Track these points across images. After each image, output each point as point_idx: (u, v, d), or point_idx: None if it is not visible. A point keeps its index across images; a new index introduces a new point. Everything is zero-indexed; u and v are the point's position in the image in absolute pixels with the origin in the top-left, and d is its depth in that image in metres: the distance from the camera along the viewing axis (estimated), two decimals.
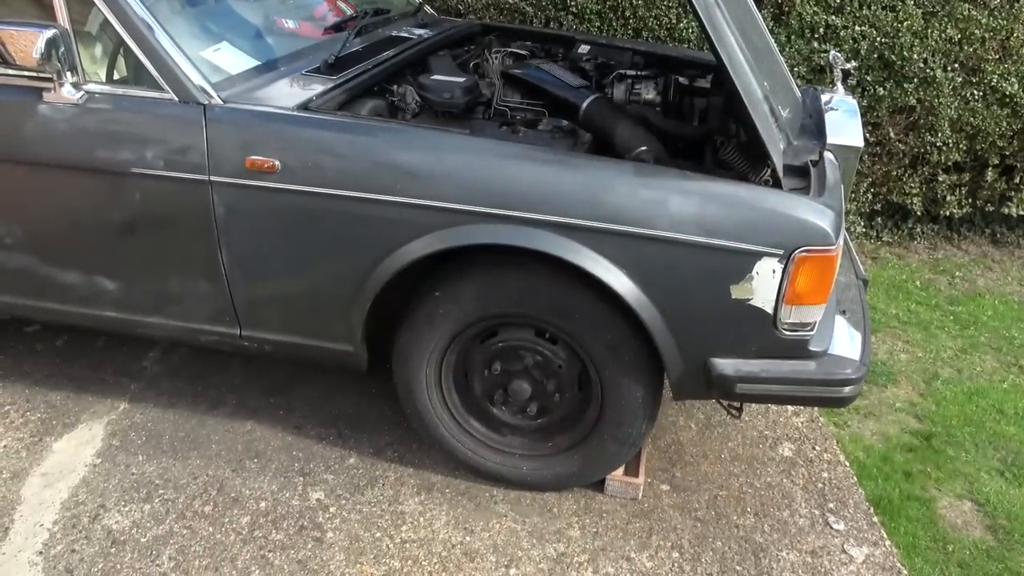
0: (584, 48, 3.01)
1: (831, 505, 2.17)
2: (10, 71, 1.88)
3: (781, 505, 2.15)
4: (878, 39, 3.65)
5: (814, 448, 2.39)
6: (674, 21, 3.55)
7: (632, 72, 2.55)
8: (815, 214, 1.67)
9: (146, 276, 2.05)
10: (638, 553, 1.96)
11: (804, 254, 1.66)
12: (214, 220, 1.90)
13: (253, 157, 1.81)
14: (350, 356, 2.05)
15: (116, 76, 2.13)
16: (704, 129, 2.24)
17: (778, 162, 1.76)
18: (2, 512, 2.02)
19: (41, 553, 1.91)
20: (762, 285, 1.70)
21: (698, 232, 1.67)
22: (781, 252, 1.66)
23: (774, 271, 1.68)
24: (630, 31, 3.55)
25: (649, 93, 2.51)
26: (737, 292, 1.71)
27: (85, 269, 2.09)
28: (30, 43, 1.81)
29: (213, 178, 1.85)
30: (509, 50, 2.74)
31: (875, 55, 3.68)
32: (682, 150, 2.26)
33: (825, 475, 2.28)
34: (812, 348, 1.78)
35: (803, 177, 1.86)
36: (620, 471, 2.12)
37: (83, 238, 2.03)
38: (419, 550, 1.95)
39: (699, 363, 1.82)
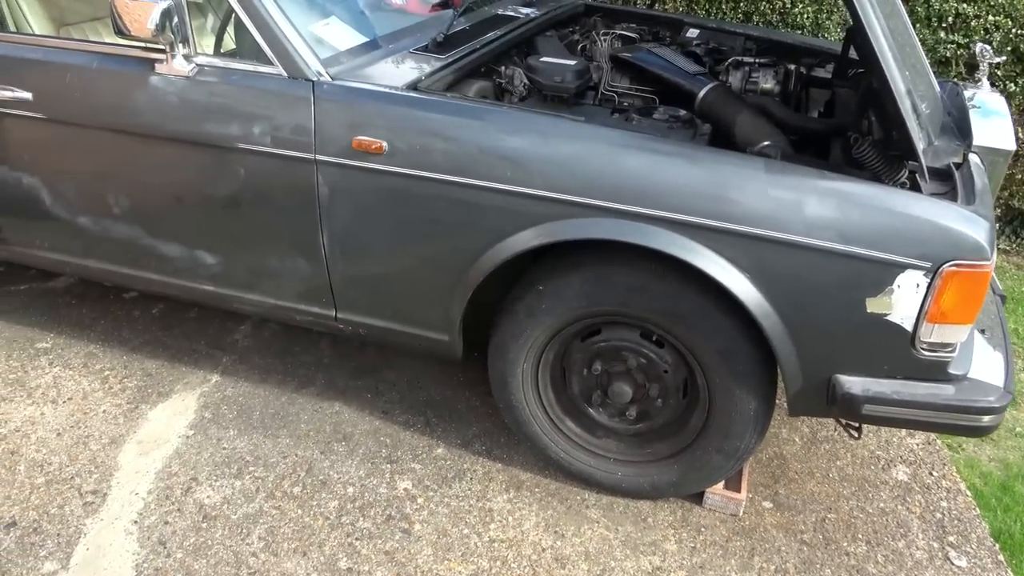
0: (693, 32, 2.86)
1: (951, 538, 2.00)
2: (124, 41, 1.87)
3: (896, 534, 1.99)
4: (1013, 30, 3.36)
5: (931, 473, 2.22)
6: (788, 5, 3.34)
7: (749, 59, 2.39)
8: (968, 224, 1.50)
9: (246, 252, 2.04)
10: (739, 574, 1.85)
11: (953, 268, 1.50)
12: (317, 200, 1.86)
13: (360, 137, 1.76)
14: (445, 345, 1.99)
15: (224, 49, 2.11)
16: (832, 123, 2.07)
17: (924, 163, 1.60)
18: (101, 477, 2.06)
19: (136, 522, 1.93)
20: (903, 300, 1.54)
21: (835, 238, 1.53)
22: (928, 265, 1.50)
23: (918, 285, 1.52)
24: (740, 15, 3.36)
25: (767, 82, 2.36)
26: (873, 306, 1.57)
27: (186, 242, 2.09)
28: (145, 13, 1.80)
29: (319, 157, 1.80)
30: (618, 32, 2.61)
31: (1008, 47, 3.38)
32: (803, 145, 2.10)
33: (944, 504, 2.11)
34: (952, 371, 1.62)
35: (945, 181, 1.69)
36: (720, 484, 2.00)
37: (186, 211, 2.02)
38: (508, 551, 1.88)
39: (822, 378, 1.68)
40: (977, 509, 2.11)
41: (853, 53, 2.51)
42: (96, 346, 2.61)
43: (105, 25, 2.54)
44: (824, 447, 2.29)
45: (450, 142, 1.71)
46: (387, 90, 1.78)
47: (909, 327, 1.57)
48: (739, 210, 1.56)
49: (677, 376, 1.87)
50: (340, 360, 2.59)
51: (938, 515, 2.07)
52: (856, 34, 1.60)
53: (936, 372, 1.62)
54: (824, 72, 2.63)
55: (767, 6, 3.33)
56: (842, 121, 2.05)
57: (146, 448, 2.18)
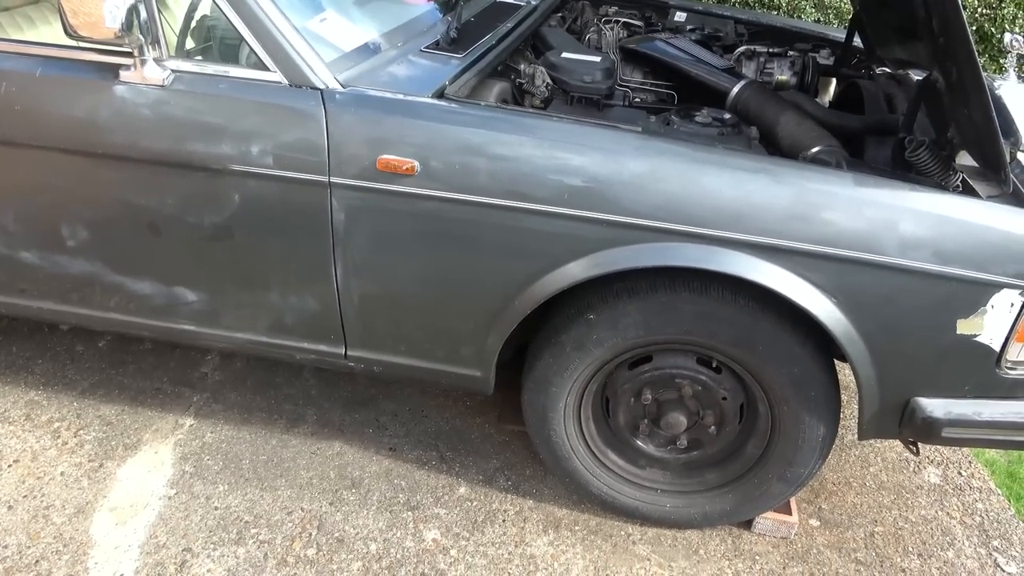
0: (681, 15, 2.71)
1: (996, 543, 1.98)
2: (81, 44, 1.54)
3: (943, 543, 1.96)
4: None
5: (960, 473, 2.20)
6: None
7: (764, 49, 2.25)
8: None
9: (238, 288, 1.75)
10: None
11: None
12: (331, 227, 1.60)
13: (387, 156, 1.51)
14: (476, 380, 1.78)
15: (206, 50, 1.80)
16: (869, 121, 1.96)
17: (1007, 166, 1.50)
18: (74, 559, 1.75)
19: None
20: (995, 319, 1.46)
21: (931, 259, 1.42)
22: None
23: (1012, 304, 1.44)
24: None
25: (783, 73, 2.23)
26: (964, 327, 1.47)
27: (163, 279, 1.78)
28: (98, 8, 1.47)
29: (334, 179, 1.54)
30: (622, 20, 2.42)
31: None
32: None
33: (980, 506, 2.09)
34: None
35: (998, 185, 1.60)
36: None
37: (163, 244, 1.71)
38: None
39: (899, 402, 1.59)
40: (1012, 510, 2.10)
41: (858, 41, 2.42)
42: (37, 392, 2.24)
43: (25, 16, 2.13)
44: (853, 453, 2.23)
45: (497, 161, 1.48)
46: (415, 100, 1.53)
47: (997, 347, 1.49)
48: (830, 231, 1.42)
49: (735, 402, 1.74)
50: (328, 390, 2.33)
51: (977, 519, 2.05)
52: (933, 29, 1.46)
53: (1019, 390, 1.55)
54: (821, 59, 2.53)
55: None
56: (880, 118, 1.95)
57: (123, 516, 1.87)
